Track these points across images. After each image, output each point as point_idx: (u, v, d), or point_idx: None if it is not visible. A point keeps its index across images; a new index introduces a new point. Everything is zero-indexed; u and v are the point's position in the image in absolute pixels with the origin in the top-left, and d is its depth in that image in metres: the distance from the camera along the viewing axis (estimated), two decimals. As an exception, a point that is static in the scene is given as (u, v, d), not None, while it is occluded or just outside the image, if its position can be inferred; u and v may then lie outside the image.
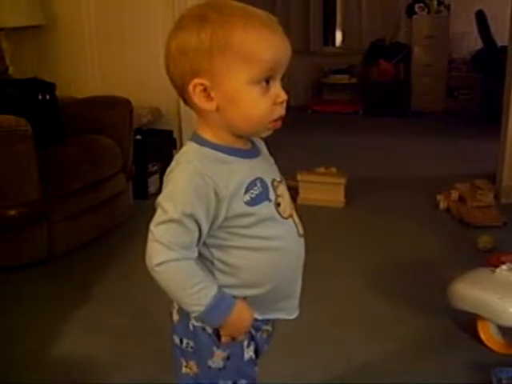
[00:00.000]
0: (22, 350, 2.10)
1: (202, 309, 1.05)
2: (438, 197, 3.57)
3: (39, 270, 2.72)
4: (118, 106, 3.27)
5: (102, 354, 2.06)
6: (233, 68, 1.02)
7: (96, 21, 3.89)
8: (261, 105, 1.05)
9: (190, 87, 1.04)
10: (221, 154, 1.07)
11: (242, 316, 1.10)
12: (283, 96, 1.06)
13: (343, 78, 6.94)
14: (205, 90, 1.04)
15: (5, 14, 3.56)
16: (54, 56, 3.98)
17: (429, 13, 6.64)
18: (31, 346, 2.13)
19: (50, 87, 3.11)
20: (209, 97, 1.04)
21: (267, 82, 1.04)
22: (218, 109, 1.05)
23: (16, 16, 3.63)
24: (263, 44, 1.02)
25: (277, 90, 1.06)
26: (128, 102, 3.27)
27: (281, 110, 1.07)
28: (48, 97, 3.07)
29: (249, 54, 1.01)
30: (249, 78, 1.02)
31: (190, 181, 1.03)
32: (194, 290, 1.04)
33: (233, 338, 1.14)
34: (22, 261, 2.72)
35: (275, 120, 1.07)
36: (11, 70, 3.51)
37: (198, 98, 1.05)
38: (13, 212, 2.61)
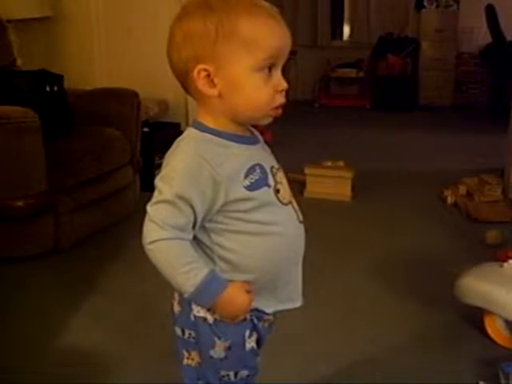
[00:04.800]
0: (27, 341, 2.11)
1: (191, 289, 1.07)
2: (446, 191, 3.56)
3: (45, 261, 2.73)
4: (125, 98, 3.26)
5: (106, 346, 2.07)
6: (237, 54, 1.04)
7: (104, 13, 3.89)
8: (263, 92, 1.06)
9: (195, 73, 1.05)
10: (220, 139, 1.09)
11: (235, 300, 1.10)
12: (284, 84, 1.08)
13: (351, 72, 6.92)
14: (208, 75, 1.05)
15: (13, 6, 3.56)
16: (61, 48, 3.98)
17: (438, 7, 6.61)
18: (36, 337, 2.13)
19: (58, 79, 3.11)
20: (212, 83, 1.06)
21: (269, 69, 1.06)
22: (220, 95, 1.06)
23: (24, 8, 3.64)
24: (268, 32, 1.04)
25: (278, 79, 1.08)
26: (135, 95, 3.27)
27: (281, 98, 1.09)
28: (56, 88, 3.08)
29: (253, 40, 1.03)
30: (252, 64, 1.04)
31: (187, 163, 1.05)
32: (185, 270, 1.06)
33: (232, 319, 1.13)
34: (28, 252, 2.73)
35: (276, 107, 1.09)
36: (19, 62, 3.51)
37: (201, 84, 1.06)
38: (20, 203, 2.61)
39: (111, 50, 3.94)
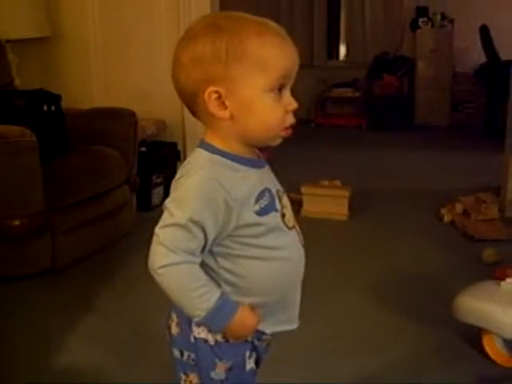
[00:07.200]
0: (24, 361, 2.09)
1: (203, 314, 1.05)
2: (442, 210, 3.56)
3: (42, 280, 2.72)
4: (122, 117, 3.28)
5: (104, 365, 2.05)
6: (249, 75, 1.02)
7: (101, 33, 3.92)
8: (275, 112, 1.05)
9: (206, 95, 1.03)
10: (231, 163, 1.07)
11: (245, 323, 1.09)
12: (294, 104, 1.07)
13: (347, 92, 6.95)
14: (219, 97, 1.03)
15: (11, 26, 3.58)
16: (59, 68, 4.00)
17: (433, 27, 6.67)
18: (33, 357, 2.12)
19: (55, 98, 3.12)
20: (223, 105, 1.04)
21: (279, 90, 1.05)
22: (232, 117, 1.05)
23: (22, 28, 3.65)
24: (278, 51, 1.03)
25: (288, 99, 1.07)
26: (133, 114, 3.28)
27: (292, 118, 1.08)
28: (53, 108, 3.09)
29: (265, 61, 1.02)
30: (264, 85, 1.03)
31: (201, 187, 1.03)
32: (196, 294, 1.04)
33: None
34: (25, 271, 2.71)
35: (287, 128, 1.08)
36: (17, 82, 3.53)
37: (212, 106, 1.04)
38: (17, 222, 2.61)
39: (108, 70, 3.96)
